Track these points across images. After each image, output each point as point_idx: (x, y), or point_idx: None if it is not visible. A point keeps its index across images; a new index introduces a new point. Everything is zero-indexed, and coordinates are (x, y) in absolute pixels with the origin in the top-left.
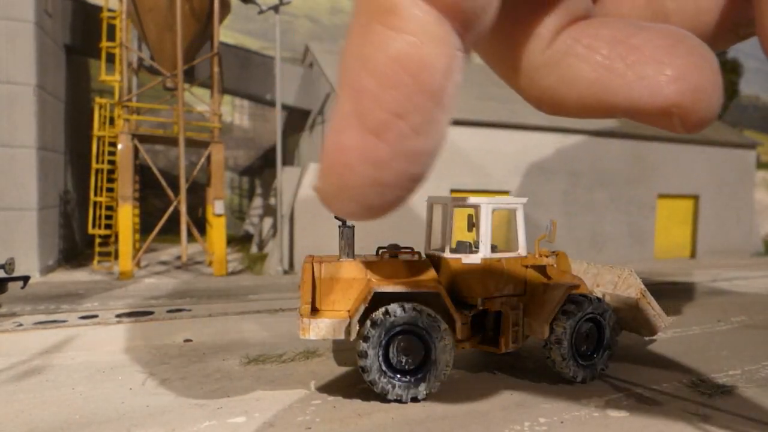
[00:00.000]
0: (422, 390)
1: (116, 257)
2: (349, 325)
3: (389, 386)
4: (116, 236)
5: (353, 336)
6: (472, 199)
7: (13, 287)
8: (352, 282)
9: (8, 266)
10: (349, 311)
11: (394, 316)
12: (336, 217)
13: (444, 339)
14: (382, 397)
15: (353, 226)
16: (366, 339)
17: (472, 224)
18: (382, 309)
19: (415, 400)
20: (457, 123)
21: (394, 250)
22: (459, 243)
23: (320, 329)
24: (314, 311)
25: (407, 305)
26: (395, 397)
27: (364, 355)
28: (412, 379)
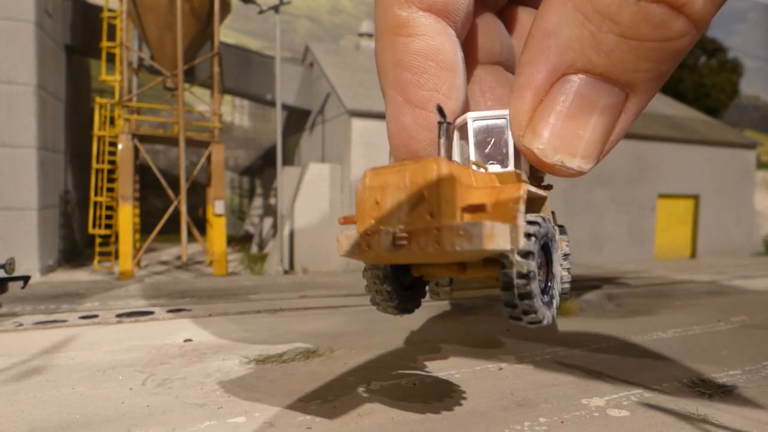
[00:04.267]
0: (554, 311)
1: (116, 257)
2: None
3: (546, 310)
4: (116, 236)
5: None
6: (499, 112)
7: (14, 287)
8: (492, 183)
9: (8, 266)
10: (506, 216)
11: (542, 225)
12: (438, 110)
13: (557, 251)
14: (382, 398)
15: (452, 123)
16: (527, 255)
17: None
18: (532, 217)
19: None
20: None
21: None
22: None
23: (504, 235)
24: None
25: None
26: (548, 322)
27: (531, 276)
28: (547, 299)
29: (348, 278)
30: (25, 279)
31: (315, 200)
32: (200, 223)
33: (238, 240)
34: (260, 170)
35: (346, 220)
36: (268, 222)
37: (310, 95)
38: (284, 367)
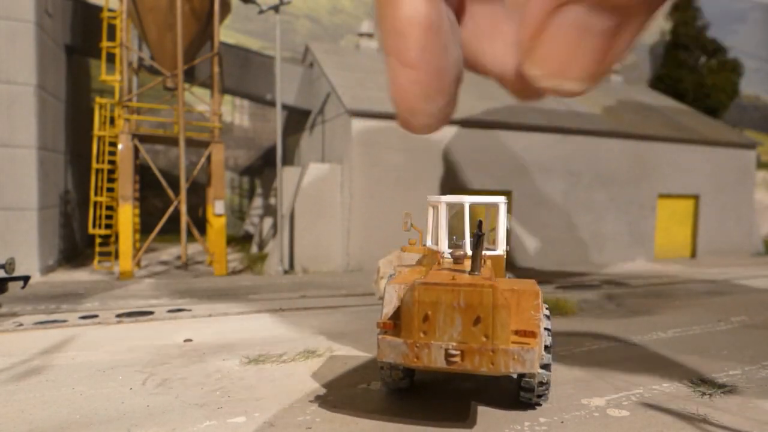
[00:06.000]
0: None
1: (116, 257)
2: (540, 344)
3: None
4: (116, 236)
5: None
6: (492, 198)
7: (14, 287)
8: (525, 296)
9: (8, 266)
10: (529, 323)
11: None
12: (478, 224)
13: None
14: (382, 398)
15: (483, 233)
16: (546, 367)
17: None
18: (546, 322)
19: None
20: (458, 123)
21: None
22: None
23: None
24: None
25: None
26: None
27: (548, 383)
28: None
29: (348, 278)
30: (25, 279)
31: (315, 200)
32: (200, 223)
33: (238, 240)
34: (260, 170)
35: (385, 326)
36: (268, 222)
37: (310, 95)
38: (284, 367)
